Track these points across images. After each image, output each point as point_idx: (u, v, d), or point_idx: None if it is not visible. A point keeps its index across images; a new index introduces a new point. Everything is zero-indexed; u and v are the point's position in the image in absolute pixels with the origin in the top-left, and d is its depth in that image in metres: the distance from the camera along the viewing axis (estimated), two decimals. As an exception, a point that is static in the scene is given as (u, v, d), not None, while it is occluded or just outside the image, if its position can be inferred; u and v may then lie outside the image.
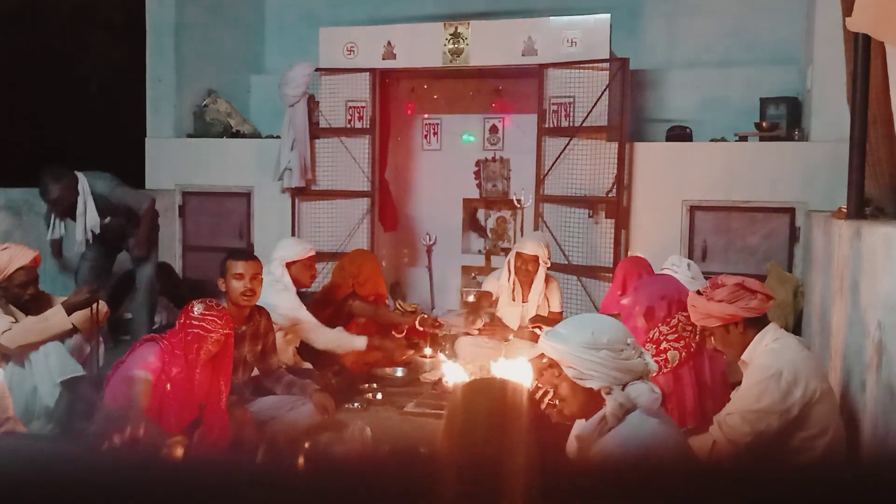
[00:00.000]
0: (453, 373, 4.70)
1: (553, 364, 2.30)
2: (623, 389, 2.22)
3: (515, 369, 4.72)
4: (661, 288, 3.56)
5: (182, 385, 3.30)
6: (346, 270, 5.31)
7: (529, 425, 1.80)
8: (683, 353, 3.32)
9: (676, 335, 3.29)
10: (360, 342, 4.83)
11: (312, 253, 4.88)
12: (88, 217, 5.22)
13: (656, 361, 3.31)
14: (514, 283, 5.25)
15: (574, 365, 2.23)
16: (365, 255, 5.61)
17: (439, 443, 1.75)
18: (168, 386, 3.28)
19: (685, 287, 3.66)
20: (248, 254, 4.09)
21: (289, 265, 4.72)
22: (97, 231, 5.26)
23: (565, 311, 5.50)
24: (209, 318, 3.30)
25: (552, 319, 5.01)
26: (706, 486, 0.98)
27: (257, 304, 4.14)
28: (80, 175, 5.25)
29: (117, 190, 5.37)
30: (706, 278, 3.82)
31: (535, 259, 5.15)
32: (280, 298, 4.55)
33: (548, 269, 5.29)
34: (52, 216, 5.38)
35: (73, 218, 5.29)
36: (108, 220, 5.32)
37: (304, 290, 5.03)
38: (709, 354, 3.20)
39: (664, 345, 3.36)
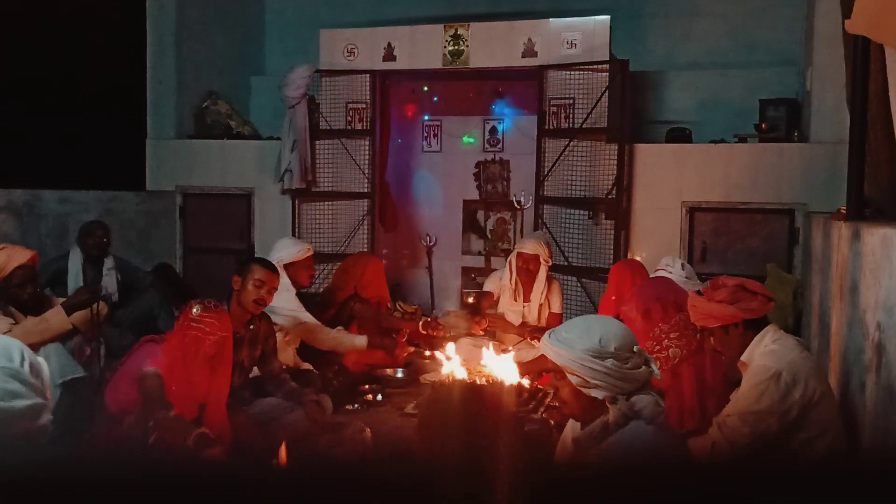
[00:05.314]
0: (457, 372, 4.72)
1: (556, 367, 2.24)
2: (628, 399, 2.16)
3: (504, 367, 4.75)
4: (656, 290, 3.57)
5: (181, 385, 3.31)
6: (349, 273, 5.33)
7: (500, 425, 1.76)
8: (683, 351, 3.32)
9: (678, 333, 3.29)
10: (361, 341, 4.84)
11: (310, 253, 4.90)
12: (108, 278, 5.39)
13: (657, 358, 3.31)
14: (515, 283, 5.27)
15: (578, 373, 2.17)
16: (368, 258, 5.63)
17: (415, 445, 1.74)
18: (172, 387, 3.29)
19: (681, 288, 3.66)
20: (273, 266, 4.09)
21: (286, 266, 4.70)
22: (114, 298, 5.34)
23: (565, 312, 5.51)
24: (207, 319, 3.31)
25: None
26: (706, 489, 0.98)
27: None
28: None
29: (126, 271, 5.63)
30: (706, 280, 3.82)
31: (536, 258, 5.18)
32: (279, 300, 4.48)
33: (548, 267, 5.30)
34: (80, 265, 5.41)
35: (97, 265, 5.43)
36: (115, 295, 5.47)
37: (304, 290, 5.03)
38: (710, 354, 3.20)
39: (665, 342, 3.36)
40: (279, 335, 4.47)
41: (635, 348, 2.19)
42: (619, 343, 2.15)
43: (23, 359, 1.78)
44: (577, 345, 2.16)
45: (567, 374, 2.20)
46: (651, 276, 4.51)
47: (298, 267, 4.77)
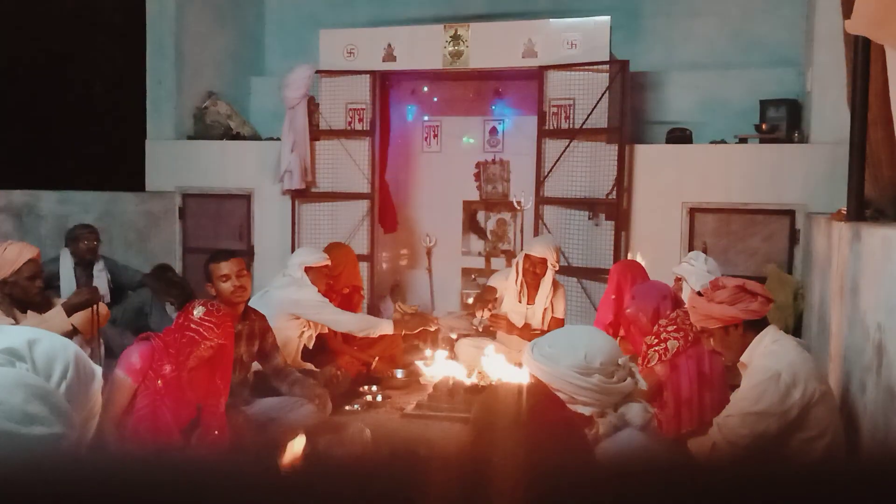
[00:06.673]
0: (456, 374, 4.72)
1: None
2: (616, 410, 2.13)
3: (508, 370, 4.74)
4: (661, 289, 3.58)
5: (175, 384, 3.28)
6: None
7: (561, 431, 1.72)
8: (682, 343, 3.33)
9: (676, 327, 3.30)
10: (387, 326, 4.96)
11: (327, 263, 5.00)
12: (99, 280, 5.44)
13: (656, 351, 3.31)
14: (521, 285, 5.26)
15: (564, 390, 2.12)
16: (339, 247, 5.69)
17: (466, 447, 1.69)
18: (159, 382, 3.26)
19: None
20: (227, 253, 4.13)
21: (307, 270, 4.87)
22: (106, 300, 5.36)
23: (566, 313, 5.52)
24: (207, 324, 3.28)
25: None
26: (704, 488, 0.98)
27: (261, 311, 4.22)
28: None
29: (116, 271, 5.70)
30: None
31: (544, 262, 5.17)
32: (302, 293, 4.75)
33: (556, 272, 5.30)
34: (74, 269, 5.45)
35: (87, 268, 5.49)
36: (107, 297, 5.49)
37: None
38: (709, 348, 3.22)
39: (664, 335, 3.37)
40: (305, 330, 4.70)
41: (620, 360, 2.16)
42: (604, 357, 2.11)
43: (65, 375, 1.59)
44: (562, 361, 2.13)
45: (553, 391, 2.15)
46: (673, 270, 4.57)
47: (317, 273, 4.91)
